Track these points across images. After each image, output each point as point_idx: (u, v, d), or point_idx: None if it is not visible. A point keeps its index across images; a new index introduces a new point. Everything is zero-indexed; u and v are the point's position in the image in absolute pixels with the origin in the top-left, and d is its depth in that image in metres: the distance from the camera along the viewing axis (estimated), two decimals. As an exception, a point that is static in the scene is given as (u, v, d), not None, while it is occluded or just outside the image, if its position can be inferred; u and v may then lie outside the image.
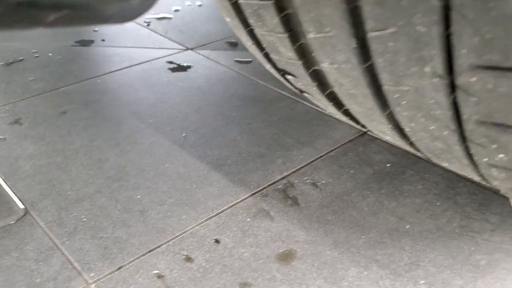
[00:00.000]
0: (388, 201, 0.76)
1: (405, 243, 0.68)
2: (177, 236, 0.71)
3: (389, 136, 0.65)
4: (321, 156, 0.88)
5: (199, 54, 1.30)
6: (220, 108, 1.04)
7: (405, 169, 0.84)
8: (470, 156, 0.53)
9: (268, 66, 0.72)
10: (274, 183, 0.81)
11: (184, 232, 0.71)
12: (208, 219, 0.73)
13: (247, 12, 0.59)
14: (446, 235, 0.69)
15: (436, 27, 0.38)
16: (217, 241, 0.69)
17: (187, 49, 1.33)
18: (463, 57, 0.39)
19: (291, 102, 1.06)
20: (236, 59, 1.27)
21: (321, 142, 0.92)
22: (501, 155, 0.48)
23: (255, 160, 0.87)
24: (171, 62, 1.26)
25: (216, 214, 0.74)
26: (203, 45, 1.35)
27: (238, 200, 0.77)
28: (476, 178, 0.60)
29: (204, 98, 1.08)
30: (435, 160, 0.63)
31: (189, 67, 1.23)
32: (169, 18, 1.55)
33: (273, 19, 0.55)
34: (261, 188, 0.79)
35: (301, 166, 0.85)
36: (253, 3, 0.55)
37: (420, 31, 0.40)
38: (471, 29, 0.36)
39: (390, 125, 0.59)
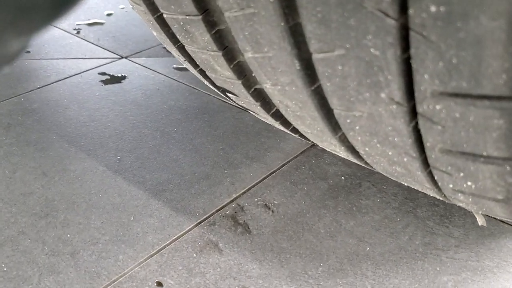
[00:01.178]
0: (346, 219, 0.71)
1: (366, 268, 0.63)
2: (113, 281, 0.62)
3: (343, 155, 0.59)
4: (272, 173, 0.81)
5: (134, 62, 1.20)
6: (159, 123, 0.95)
7: (361, 181, 0.78)
8: (434, 181, 0.47)
9: (206, 82, 0.64)
10: (222, 208, 0.73)
11: (122, 276, 0.63)
12: (148, 257, 0.65)
13: (174, 28, 0.51)
14: (409, 255, 0.64)
15: (392, 49, 0.31)
16: (159, 283, 0.61)
17: (121, 57, 1.23)
18: (425, 83, 0.33)
19: (237, 112, 0.98)
20: (174, 65, 1.18)
21: (271, 156, 0.85)
22: (469, 183, 0.42)
23: (200, 182, 0.79)
24: (103, 74, 1.15)
25: (158, 251, 0.66)
26: (138, 52, 1.25)
27: (182, 232, 0.69)
28: (439, 197, 0.55)
29: (141, 113, 0.98)
30: (394, 179, 0.57)
31: (123, 78, 1.13)
32: (101, 24, 1.44)
33: (203, 36, 0.47)
34: (207, 215, 0.72)
35: (251, 185, 0.78)
36: (179, 18, 0.47)
37: (373, 54, 0.33)
38: (434, 53, 0.30)
39: (343, 147, 0.53)
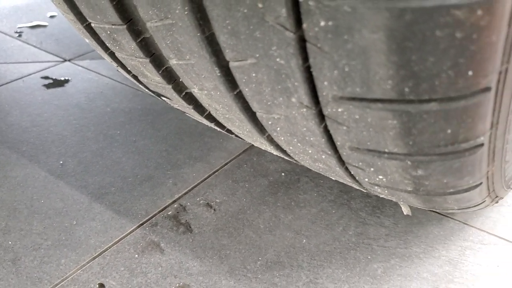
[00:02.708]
0: (285, 214, 0.74)
1: (302, 260, 0.66)
2: (56, 285, 0.63)
3: (275, 154, 0.62)
4: (215, 172, 0.83)
5: (78, 65, 1.20)
6: (102, 126, 0.95)
7: (299, 176, 0.82)
8: (352, 176, 0.51)
9: (141, 87, 0.66)
10: (164, 208, 0.75)
11: (64, 279, 0.64)
12: (90, 260, 0.66)
13: (102, 36, 0.52)
14: (343, 246, 0.68)
15: (294, 59, 0.34)
16: (101, 285, 0.63)
17: (65, 60, 1.22)
18: (326, 89, 0.35)
19: (180, 113, 1.00)
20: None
21: (214, 156, 0.87)
22: (381, 177, 0.46)
23: (143, 184, 0.80)
24: (46, 77, 1.14)
25: (100, 254, 0.67)
26: (82, 55, 1.25)
27: (124, 234, 0.70)
28: (363, 190, 0.59)
29: (84, 116, 0.98)
30: (323, 174, 0.61)
31: (66, 81, 1.12)
32: (44, 26, 1.42)
33: (130, 44, 0.49)
34: (150, 216, 0.73)
35: (194, 185, 0.80)
36: (106, 27, 0.49)
37: (279, 63, 0.36)
38: (329, 62, 0.33)
39: (272, 147, 0.56)
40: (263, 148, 0.65)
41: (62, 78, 1.13)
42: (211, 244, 0.69)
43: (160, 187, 0.79)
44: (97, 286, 0.63)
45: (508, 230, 0.70)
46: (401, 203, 0.64)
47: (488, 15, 0.27)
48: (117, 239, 0.69)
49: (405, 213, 0.65)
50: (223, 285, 0.62)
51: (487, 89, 0.32)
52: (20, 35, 1.36)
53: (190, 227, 0.72)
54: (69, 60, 1.22)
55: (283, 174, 0.83)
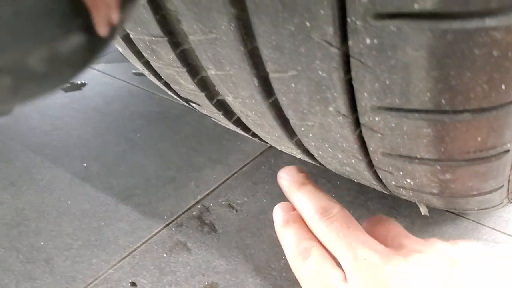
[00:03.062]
0: (304, 214, 0.76)
1: (324, 258, 0.69)
2: (89, 284, 0.65)
3: (299, 157, 0.65)
4: (234, 173, 0.86)
5: (94, 69, 1.22)
6: (122, 130, 0.98)
7: (317, 177, 0.84)
8: (379, 179, 0.53)
9: (170, 93, 0.68)
10: (188, 209, 0.78)
11: (97, 279, 0.66)
12: (121, 260, 0.69)
13: (140, 46, 0.54)
14: (362, 245, 0.71)
15: (336, 73, 0.37)
16: (133, 284, 0.65)
17: (80, 64, 1.24)
18: (365, 99, 0.38)
19: (197, 116, 1.02)
20: (133, 71, 1.21)
21: (233, 158, 0.90)
22: (408, 180, 0.49)
23: (166, 186, 0.83)
24: (63, 81, 1.16)
25: (129, 254, 0.70)
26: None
27: (152, 234, 0.73)
28: (385, 192, 0.62)
29: (103, 120, 1.01)
30: (345, 177, 0.64)
31: (83, 85, 1.15)
32: (57, 29, 1.44)
33: (168, 55, 0.51)
34: (175, 217, 0.76)
35: (215, 187, 0.83)
36: (146, 38, 0.51)
37: (321, 76, 0.38)
38: (370, 76, 0.36)
39: (299, 150, 0.59)
40: (286, 152, 0.67)
41: (79, 82, 1.16)
42: (236, 244, 0.71)
43: (183, 188, 0.82)
44: (129, 284, 0.65)
45: (520, 229, 0.73)
46: (421, 204, 0.66)
47: (523, 36, 0.30)
48: (145, 239, 0.72)
49: (423, 213, 0.68)
50: (250, 283, 0.65)
51: (517, 100, 0.35)
52: (34, 39, 1.38)
53: (214, 227, 0.74)
54: (84, 64, 1.24)
55: (300, 175, 0.85)
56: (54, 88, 0.19)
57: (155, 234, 0.73)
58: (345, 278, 0.43)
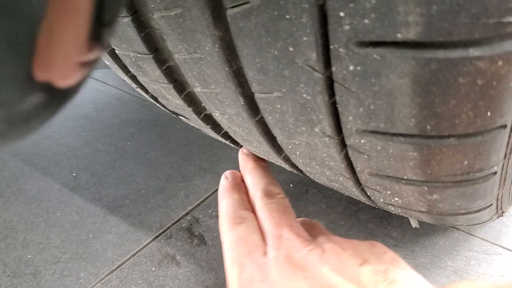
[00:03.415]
0: (294, 226, 0.76)
1: (314, 271, 0.68)
2: (76, 299, 0.65)
3: (289, 170, 0.64)
4: (224, 183, 0.85)
5: (85, 75, 1.21)
6: (112, 138, 0.97)
7: (308, 187, 0.84)
8: (367, 196, 0.53)
9: (158, 105, 0.68)
10: (178, 220, 0.77)
11: (84, 293, 0.66)
12: (109, 273, 0.68)
13: (126, 62, 0.54)
14: (352, 257, 0.70)
15: (320, 96, 0.36)
16: (121, 298, 0.65)
17: (71, 70, 1.23)
18: (350, 122, 0.38)
19: (188, 124, 1.01)
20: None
21: (224, 167, 0.89)
22: (396, 199, 0.48)
23: (156, 196, 0.82)
24: (54, 87, 1.15)
25: (118, 267, 0.69)
26: (88, 64, 1.26)
27: (141, 247, 0.72)
28: (375, 206, 0.61)
29: (93, 128, 1.00)
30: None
31: (74, 91, 1.14)
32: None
33: (154, 71, 0.51)
34: (164, 229, 0.75)
35: (205, 197, 0.82)
36: (131, 55, 0.51)
37: (305, 98, 0.38)
38: (355, 100, 0.35)
39: (288, 165, 0.58)
40: (276, 164, 0.67)
41: (70, 88, 1.15)
42: (225, 256, 0.71)
43: (172, 199, 0.81)
44: (117, 299, 0.65)
45: (510, 240, 0.73)
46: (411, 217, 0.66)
47: (507, 65, 0.29)
48: (134, 252, 0.71)
49: (413, 226, 0.68)
50: (239, 297, 0.65)
51: (503, 126, 0.34)
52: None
53: (203, 239, 0.74)
54: (75, 70, 1.23)
55: (291, 185, 0.85)
56: (17, 139, 0.18)
57: (144, 247, 0.72)
58: (266, 252, 0.45)
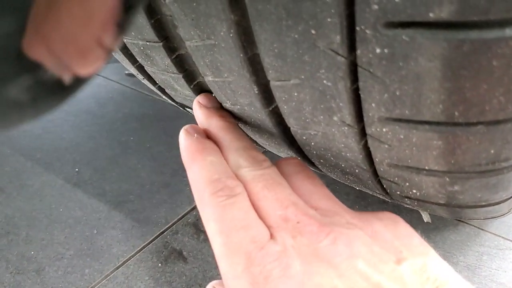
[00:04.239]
0: (303, 221, 0.74)
1: (324, 267, 0.67)
2: (81, 296, 0.63)
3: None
4: (229, 178, 0.84)
5: (86, 69, 1.19)
6: (115, 133, 0.95)
7: (315, 182, 0.82)
8: (383, 188, 0.51)
9: (164, 97, 0.66)
10: (183, 216, 0.76)
11: (89, 290, 0.64)
12: (114, 269, 0.67)
13: (134, 51, 0.52)
14: (363, 252, 0.69)
15: (342, 82, 0.35)
16: (127, 295, 0.63)
17: (72, 64, 1.22)
18: (373, 110, 0.36)
19: (192, 118, 1.00)
20: (126, 72, 1.18)
21: (228, 161, 0.88)
22: (415, 191, 0.47)
23: (161, 191, 0.80)
24: (54, 82, 1.14)
25: (123, 263, 0.67)
26: (89, 59, 1.24)
27: (146, 243, 0.70)
28: (387, 200, 0.60)
29: (96, 123, 0.98)
30: (347, 184, 0.62)
31: (75, 86, 1.12)
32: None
33: (164, 60, 0.49)
34: (170, 224, 0.74)
35: (210, 192, 0.81)
36: (140, 43, 0.49)
37: (326, 85, 0.36)
38: (379, 86, 0.33)
39: (299, 157, 0.57)
40: (285, 157, 0.65)
41: (71, 83, 1.13)
42: (233, 252, 0.69)
43: (178, 194, 0.80)
44: (123, 296, 0.63)
45: (523, 235, 0.72)
46: (423, 211, 0.65)
47: (545, 46, 0.28)
48: (139, 248, 0.70)
49: (425, 221, 0.67)
50: (248, 294, 0.63)
51: (534, 112, 0.33)
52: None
53: (210, 235, 0.72)
54: (76, 64, 1.22)
55: (298, 180, 0.83)
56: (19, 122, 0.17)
57: (149, 243, 0.71)
58: (275, 238, 0.36)
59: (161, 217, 0.75)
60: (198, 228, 0.73)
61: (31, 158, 0.88)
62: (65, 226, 0.74)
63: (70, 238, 0.72)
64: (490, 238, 0.72)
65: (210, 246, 0.70)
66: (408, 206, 0.57)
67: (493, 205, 0.47)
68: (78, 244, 0.71)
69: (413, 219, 0.74)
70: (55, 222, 0.74)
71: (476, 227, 0.73)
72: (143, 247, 0.70)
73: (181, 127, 0.96)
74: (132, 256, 0.68)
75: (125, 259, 0.68)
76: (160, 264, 0.67)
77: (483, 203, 0.46)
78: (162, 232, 0.72)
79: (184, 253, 0.69)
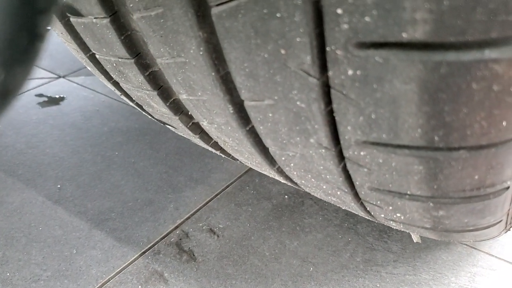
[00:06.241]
0: (290, 240, 0.72)
1: (310, 289, 0.65)
2: (57, 320, 0.61)
3: (283, 182, 0.61)
4: (217, 195, 0.82)
5: (73, 82, 1.17)
6: (99, 147, 0.93)
7: (303, 199, 0.80)
8: (367, 211, 0.49)
9: (144, 113, 0.64)
10: (166, 235, 0.73)
11: (65, 314, 0.61)
12: (93, 292, 0.64)
13: (108, 67, 0.50)
14: (351, 273, 0.67)
15: (316, 104, 0.33)
16: (105, 319, 0.61)
17: (59, 77, 1.20)
18: (349, 133, 0.34)
19: (177, 134, 0.98)
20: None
21: (216, 178, 0.86)
22: (399, 215, 0.44)
23: (144, 209, 0.78)
24: (41, 95, 1.11)
25: (102, 285, 0.65)
26: (76, 71, 1.22)
27: (126, 264, 0.68)
28: (375, 221, 0.57)
29: (81, 137, 0.96)
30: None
31: (61, 99, 1.10)
32: (37, 40, 1.39)
33: (137, 77, 0.47)
34: (152, 244, 0.71)
35: (196, 209, 0.78)
36: (112, 59, 0.47)
37: (300, 106, 0.34)
38: (354, 109, 0.31)
39: (282, 178, 0.55)
40: (270, 176, 0.63)
41: (57, 96, 1.11)
42: (216, 274, 0.67)
43: (161, 212, 0.77)
44: (100, 320, 0.61)
45: (517, 255, 0.70)
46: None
47: (527, 69, 0.26)
48: (119, 269, 0.67)
49: (415, 241, 0.64)
50: (230, 318, 0.61)
51: (519, 137, 0.31)
52: (12, 50, 1.33)
53: (193, 255, 0.70)
54: (63, 77, 1.20)
55: (286, 196, 0.81)
56: None
57: (130, 263, 0.68)
58: None
59: (143, 236, 0.73)
60: (181, 248, 0.71)
61: (13, 174, 0.86)
62: (44, 246, 0.71)
63: (48, 258, 0.69)
64: (483, 258, 0.69)
65: (192, 267, 0.67)
66: (395, 227, 0.55)
67: (481, 230, 0.45)
68: (56, 264, 0.68)
69: (404, 238, 0.72)
70: (34, 241, 0.72)
71: (469, 246, 0.71)
72: (123, 268, 0.67)
73: (168, 141, 0.94)
74: (112, 277, 0.66)
75: (104, 281, 0.65)
76: (140, 286, 0.65)
77: (471, 228, 0.44)
78: (144, 252, 0.70)
79: (166, 274, 0.66)
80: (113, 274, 0.67)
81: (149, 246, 0.71)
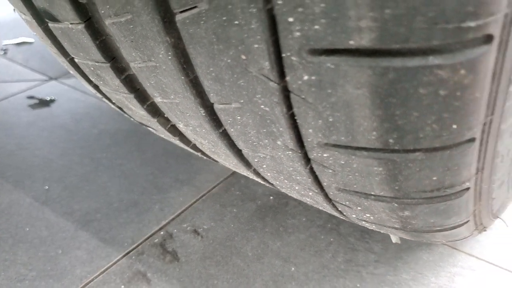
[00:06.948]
0: (273, 240, 0.73)
1: (290, 289, 0.65)
2: (40, 319, 0.62)
3: (262, 183, 0.62)
4: (202, 196, 0.83)
5: (64, 84, 1.18)
6: (88, 150, 0.94)
7: (288, 200, 0.81)
8: (339, 211, 0.50)
9: (126, 115, 0.65)
10: (150, 236, 0.74)
11: (49, 313, 0.62)
12: (76, 292, 0.65)
13: (86, 71, 0.51)
14: (332, 273, 0.68)
15: (278, 107, 0.34)
16: (87, 319, 0.62)
17: (51, 79, 1.21)
18: (311, 135, 0.35)
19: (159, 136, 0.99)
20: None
21: (201, 179, 0.87)
22: (368, 215, 0.45)
23: (129, 210, 0.79)
24: (32, 97, 1.12)
25: (86, 285, 0.66)
26: (67, 73, 1.23)
27: (110, 264, 0.69)
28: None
29: (70, 139, 0.97)
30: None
31: (52, 101, 1.11)
32: (30, 43, 1.40)
33: (114, 81, 0.48)
34: (136, 244, 0.72)
35: (181, 210, 0.79)
36: (89, 63, 0.48)
37: (264, 109, 0.35)
38: (313, 112, 0.32)
39: (259, 179, 0.56)
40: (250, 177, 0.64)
41: (48, 98, 1.12)
42: (199, 274, 0.68)
43: (146, 213, 0.78)
44: (82, 319, 0.62)
45: (497, 255, 0.70)
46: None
47: (471, 74, 0.27)
48: (103, 269, 0.68)
49: (394, 241, 0.65)
50: (211, 317, 0.62)
51: (472, 139, 0.32)
52: (5, 53, 1.34)
53: (177, 255, 0.71)
54: (55, 79, 1.21)
55: (271, 197, 0.82)
56: None
57: (114, 263, 0.69)
58: None
59: (127, 237, 0.74)
60: (164, 249, 0.72)
61: (2, 176, 0.87)
62: (30, 246, 0.72)
63: (34, 258, 0.70)
64: (464, 258, 0.70)
65: (175, 267, 0.68)
66: (369, 228, 0.56)
67: (449, 230, 0.46)
68: (41, 264, 0.69)
69: (386, 238, 0.73)
70: (20, 242, 0.73)
71: (449, 246, 0.72)
72: (107, 268, 0.68)
73: (155, 143, 0.95)
74: (95, 277, 0.67)
75: (88, 281, 0.66)
76: (123, 286, 0.65)
77: (438, 228, 0.45)
78: (128, 253, 0.71)
79: (149, 274, 0.67)
80: (97, 274, 0.68)
81: (133, 246, 0.72)
